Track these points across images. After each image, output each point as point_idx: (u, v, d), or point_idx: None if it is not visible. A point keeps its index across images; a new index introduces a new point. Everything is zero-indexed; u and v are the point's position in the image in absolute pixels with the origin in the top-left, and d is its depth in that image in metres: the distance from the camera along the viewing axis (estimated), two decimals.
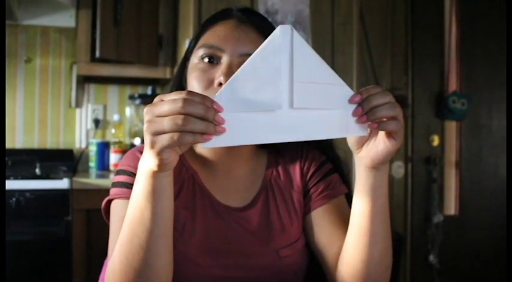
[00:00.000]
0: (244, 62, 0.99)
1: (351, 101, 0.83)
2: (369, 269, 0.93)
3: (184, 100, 0.71)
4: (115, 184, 1.03)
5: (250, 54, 0.99)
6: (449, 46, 3.39)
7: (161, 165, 0.77)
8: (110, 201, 1.04)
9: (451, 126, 3.38)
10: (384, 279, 0.97)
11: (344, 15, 2.58)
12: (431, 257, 3.25)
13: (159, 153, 0.75)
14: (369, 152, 0.86)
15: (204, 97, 0.73)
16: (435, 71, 3.37)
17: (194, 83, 1.01)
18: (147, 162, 0.79)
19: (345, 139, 0.91)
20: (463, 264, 3.35)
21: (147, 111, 0.75)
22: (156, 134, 0.73)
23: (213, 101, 0.74)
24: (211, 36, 1.03)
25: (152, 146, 0.74)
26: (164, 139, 0.73)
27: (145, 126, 0.75)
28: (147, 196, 0.82)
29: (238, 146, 1.04)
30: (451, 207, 3.37)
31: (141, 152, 1.04)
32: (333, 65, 2.54)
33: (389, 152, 0.85)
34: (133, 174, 1.01)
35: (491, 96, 3.50)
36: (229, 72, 0.97)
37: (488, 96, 3.49)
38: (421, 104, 3.31)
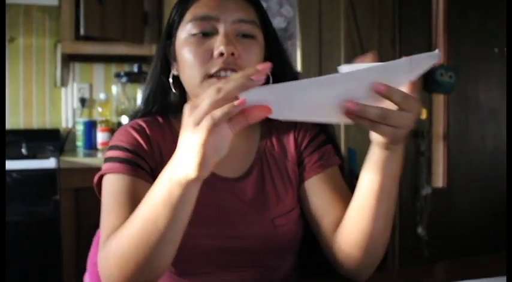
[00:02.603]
0: (238, 29, 0.99)
1: (377, 87, 0.73)
2: (368, 242, 0.93)
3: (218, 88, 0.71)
4: (108, 159, 1.02)
5: (243, 21, 1.00)
6: (437, 19, 3.38)
7: (203, 163, 0.73)
8: (102, 177, 1.02)
9: (439, 99, 3.39)
10: (381, 252, 0.97)
11: None
12: (420, 229, 3.28)
13: (204, 150, 0.72)
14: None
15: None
16: (423, 44, 3.36)
17: (189, 58, 0.99)
18: (184, 169, 0.75)
19: None
20: (450, 235, 3.38)
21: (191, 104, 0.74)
22: (200, 119, 0.71)
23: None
24: (199, 7, 1.01)
25: (202, 127, 0.71)
26: (214, 115, 0.71)
27: (187, 120, 0.73)
28: (170, 206, 0.79)
29: None
30: (439, 179, 3.40)
31: (134, 128, 1.05)
32: (320, 41, 2.53)
33: (390, 140, 0.80)
34: (125, 149, 1.01)
35: (478, 69, 3.50)
36: (228, 41, 0.96)
37: (475, 69, 3.49)
38: None
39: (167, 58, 1.09)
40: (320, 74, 2.52)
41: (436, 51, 0.73)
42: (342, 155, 1.15)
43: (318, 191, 1.06)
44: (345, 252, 0.97)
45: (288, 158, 1.11)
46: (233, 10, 1.00)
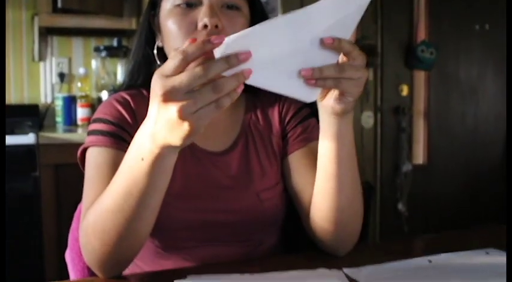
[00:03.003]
0: (223, 2, 0.97)
1: (325, 41, 0.75)
2: (338, 213, 0.94)
3: (204, 67, 0.67)
4: (91, 132, 1.01)
5: None
6: None
7: (188, 137, 0.72)
8: (85, 150, 1.01)
9: (420, 76, 3.40)
10: (356, 224, 0.98)
11: None
12: (400, 205, 3.32)
13: (195, 127, 0.70)
14: (329, 102, 0.84)
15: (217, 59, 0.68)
16: (404, 20, 3.36)
17: (174, 29, 0.97)
18: (166, 139, 0.73)
19: None
20: (430, 211, 3.43)
21: (166, 94, 0.69)
22: (192, 114, 0.69)
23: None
24: None
25: (191, 125, 0.69)
26: (204, 115, 0.69)
27: (174, 109, 0.69)
28: (147, 173, 0.78)
29: None
30: (419, 156, 3.43)
31: (117, 101, 1.04)
32: None
33: (345, 108, 0.83)
34: (109, 122, 1.00)
35: (459, 45, 3.51)
36: (213, 13, 0.94)
37: (456, 46, 3.50)
38: (390, 54, 3.31)
39: (152, 29, 1.07)
40: None
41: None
42: None
43: (298, 166, 1.06)
44: (318, 227, 0.98)
45: (272, 131, 1.11)
46: None
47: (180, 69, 0.68)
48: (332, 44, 0.75)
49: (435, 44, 3.30)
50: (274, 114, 1.12)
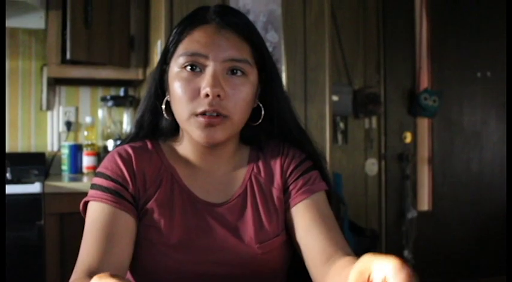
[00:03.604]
0: (228, 67, 1.00)
1: None
2: None
3: None
4: (92, 186, 1.04)
5: (234, 60, 1.00)
6: (421, 44, 3.43)
7: None
8: (87, 203, 1.04)
9: (423, 123, 3.43)
10: None
11: (316, 15, 2.59)
12: (406, 253, 3.29)
13: None
14: None
15: None
16: (407, 68, 3.41)
17: (179, 94, 1.01)
18: None
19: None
20: (437, 259, 3.40)
21: None
22: None
23: None
24: (191, 42, 1.02)
25: None
26: None
27: None
28: None
29: (221, 146, 1.05)
30: (424, 203, 3.42)
31: (120, 155, 1.07)
32: (305, 64, 2.55)
33: None
34: (109, 178, 1.03)
35: (462, 92, 3.55)
36: (215, 82, 0.97)
37: (459, 93, 3.54)
38: (394, 102, 3.35)
39: (162, 82, 1.10)
40: (305, 98, 2.54)
41: None
42: (331, 181, 1.15)
43: (302, 219, 1.06)
44: None
45: (274, 184, 1.11)
46: (224, 48, 1.00)
47: None
48: None
49: (438, 92, 3.34)
50: (276, 167, 1.13)
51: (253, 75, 1.05)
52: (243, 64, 1.02)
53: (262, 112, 1.09)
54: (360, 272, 0.66)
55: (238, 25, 1.04)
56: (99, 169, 1.07)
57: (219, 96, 0.98)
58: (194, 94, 0.99)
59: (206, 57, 0.99)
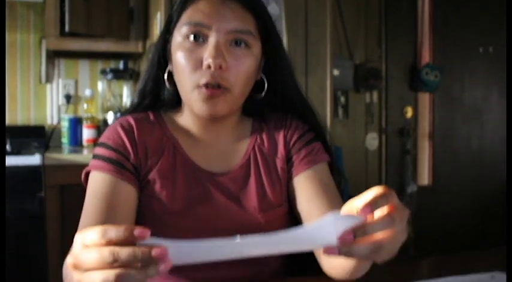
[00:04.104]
0: (231, 38, 0.99)
1: (342, 240, 0.64)
2: (350, 278, 0.92)
3: (111, 254, 0.59)
4: (94, 156, 1.04)
5: (238, 31, 0.99)
6: (423, 18, 3.40)
7: None
8: (89, 173, 1.04)
9: (424, 98, 3.41)
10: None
11: None
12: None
13: None
14: None
15: (134, 248, 0.60)
16: (408, 43, 3.38)
17: (182, 64, 1.00)
18: None
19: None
20: (436, 233, 3.41)
21: (73, 261, 0.62)
22: None
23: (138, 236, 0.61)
24: (195, 12, 1.01)
25: None
26: None
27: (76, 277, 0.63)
28: None
29: (223, 118, 1.04)
30: (424, 177, 3.42)
31: (122, 126, 1.06)
32: (306, 39, 2.53)
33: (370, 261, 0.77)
34: (111, 148, 1.03)
35: (463, 67, 3.53)
36: (217, 53, 0.96)
37: (460, 68, 3.52)
38: (395, 76, 3.33)
39: (165, 52, 1.09)
40: (306, 72, 2.52)
41: (361, 217, 0.65)
42: (333, 152, 1.15)
43: (304, 189, 1.06)
44: (329, 273, 0.97)
45: (277, 154, 1.11)
46: (228, 19, 0.99)
47: (97, 245, 0.61)
48: (352, 241, 0.64)
49: (439, 67, 3.32)
50: (280, 138, 1.12)
51: (256, 47, 1.04)
52: (247, 36, 1.01)
53: (265, 85, 1.09)
54: (349, 211, 0.67)
55: None
56: (101, 139, 1.07)
57: (221, 67, 0.97)
58: (197, 65, 0.98)
59: (209, 27, 0.98)
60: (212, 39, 0.98)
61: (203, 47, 0.99)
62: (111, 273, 0.58)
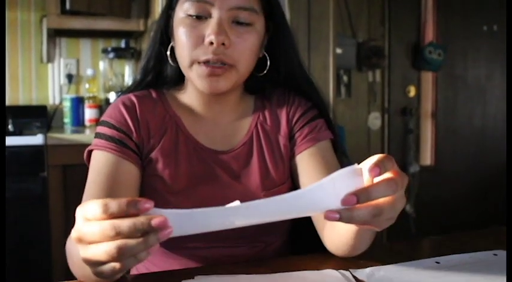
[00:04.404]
0: (233, 15, 0.98)
1: (344, 202, 0.65)
2: (351, 253, 0.94)
3: (113, 227, 0.60)
4: (96, 134, 1.03)
5: (240, 8, 0.98)
6: None
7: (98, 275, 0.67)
8: (91, 152, 1.04)
9: (427, 77, 3.40)
10: (368, 245, 0.96)
11: None
12: (408, 207, 3.32)
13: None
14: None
15: (134, 219, 0.61)
16: (412, 21, 3.36)
17: (182, 40, 0.99)
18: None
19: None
20: (438, 212, 3.42)
21: (76, 235, 0.64)
22: (96, 264, 0.64)
23: (140, 208, 0.61)
24: None
25: (97, 275, 0.67)
26: (106, 270, 0.64)
27: (81, 251, 0.65)
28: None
29: (225, 94, 1.04)
30: (427, 157, 3.42)
31: (124, 104, 1.05)
32: (309, 15, 2.51)
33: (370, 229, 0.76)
34: (113, 127, 1.02)
35: (466, 46, 3.51)
36: (220, 30, 0.96)
37: (464, 47, 3.50)
38: (398, 55, 3.31)
39: (167, 28, 1.08)
40: (309, 49, 2.51)
41: (356, 165, 0.66)
42: (336, 130, 1.14)
43: (307, 167, 1.06)
44: (331, 248, 0.98)
45: (280, 132, 1.11)
46: None
47: (98, 219, 0.62)
48: (355, 203, 0.65)
49: (443, 46, 3.29)
50: (283, 115, 1.12)
51: (259, 24, 1.02)
52: (250, 12, 0.99)
53: (268, 62, 1.08)
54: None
55: None
56: (103, 118, 1.06)
57: (223, 44, 0.96)
58: (198, 41, 0.98)
59: (212, 4, 0.97)
60: (215, 16, 0.97)
61: (205, 24, 0.98)
62: (113, 245, 0.60)
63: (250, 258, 1.04)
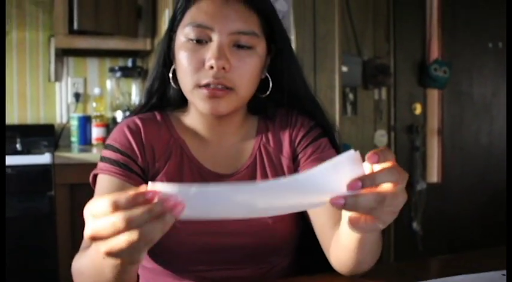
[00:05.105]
0: (234, 40, 0.98)
1: (350, 187, 0.65)
2: (357, 268, 0.92)
3: (125, 220, 0.60)
4: (101, 158, 1.04)
5: (241, 32, 0.99)
6: (431, 14, 3.38)
7: (130, 266, 0.71)
8: (97, 175, 1.04)
9: (433, 94, 3.40)
10: (373, 262, 0.94)
11: None
12: (415, 225, 3.30)
13: (120, 266, 0.70)
14: (356, 220, 0.73)
15: (146, 207, 0.61)
16: (417, 39, 3.37)
17: (184, 64, 1.00)
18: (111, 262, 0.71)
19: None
20: (445, 230, 3.40)
21: (93, 236, 0.64)
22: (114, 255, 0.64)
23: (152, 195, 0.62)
24: (198, 12, 1.00)
25: (117, 261, 0.69)
26: (124, 256, 0.64)
27: (101, 247, 0.64)
28: (110, 270, 0.74)
29: (227, 115, 1.04)
30: (433, 174, 3.41)
31: (129, 127, 1.06)
32: (314, 34, 2.53)
33: (372, 231, 0.73)
34: (118, 150, 1.03)
35: (472, 63, 3.51)
36: (220, 55, 0.96)
37: (469, 64, 3.50)
38: (403, 73, 3.31)
39: (170, 50, 1.08)
40: (315, 67, 2.52)
41: (353, 150, 0.67)
42: (340, 148, 1.14)
43: None
44: (336, 265, 0.97)
45: (283, 153, 1.10)
46: (231, 20, 0.98)
47: (107, 214, 0.62)
48: (359, 188, 0.65)
49: (448, 63, 3.30)
50: (285, 136, 1.12)
51: (261, 47, 1.03)
52: (250, 36, 1.00)
53: (270, 84, 1.08)
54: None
55: None
56: (108, 141, 1.06)
57: (224, 68, 0.97)
58: (199, 65, 0.98)
59: (212, 29, 0.98)
60: (215, 40, 0.98)
61: (206, 48, 0.98)
62: (134, 233, 0.60)
63: (256, 280, 1.03)
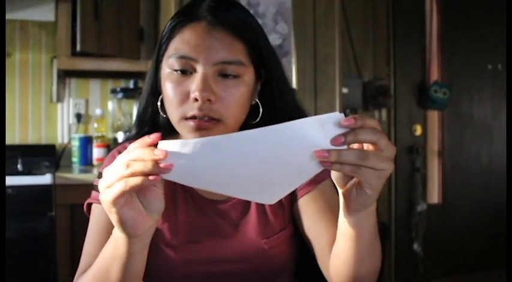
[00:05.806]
0: (219, 70, 0.95)
1: (333, 141, 0.69)
2: (356, 279, 0.91)
3: (122, 163, 0.73)
4: (94, 187, 1.04)
5: (225, 62, 0.94)
6: (431, 36, 3.41)
7: (122, 224, 0.76)
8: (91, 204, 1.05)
9: (433, 116, 3.41)
10: (373, 278, 0.94)
11: (325, 6, 2.58)
12: (415, 246, 3.29)
13: (115, 211, 0.75)
14: (349, 191, 0.78)
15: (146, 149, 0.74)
16: (417, 60, 3.39)
17: (169, 96, 0.96)
18: (116, 230, 0.80)
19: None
20: (446, 252, 3.39)
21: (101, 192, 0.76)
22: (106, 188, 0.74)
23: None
24: (181, 43, 0.96)
25: (106, 202, 0.74)
26: (112, 189, 0.73)
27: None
28: (119, 261, 0.82)
29: None
30: (434, 195, 3.41)
31: (120, 152, 1.03)
32: (315, 56, 2.55)
33: (364, 201, 0.76)
34: None
35: (472, 85, 3.53)
36: (204, 86, 0.92)
37: (469, 85, 3.52)
38: (403, 94, 3.33)
39: (157, 79, 1.05)
40: (315, 89, 2.53)
41: (337, 112, 0.70)
42: None
43: (309, 211, 1.04)
44: (333, 278, 0.96)
45: None
46: (215, 50, 0.94)
47: (114, 182, 0.73)
48: (343, 143, 0.69)
49: (448, 84, 3.32)
50: None
51: (248, 75, 0.99)
52: (236, 66, 0.96)
53: (261, 110, 1.04)
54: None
55: (232, 22, 0.97)
56: (100, 169, 1.05)
57: (209, 100, 0.93)
58: (184, 97, 0.95)
59: (196, 60, 0.94)
60: (199, 71, 0.94)
61: (191, 79, 0.95)
62: (130, 179, 0.71)
63: None
